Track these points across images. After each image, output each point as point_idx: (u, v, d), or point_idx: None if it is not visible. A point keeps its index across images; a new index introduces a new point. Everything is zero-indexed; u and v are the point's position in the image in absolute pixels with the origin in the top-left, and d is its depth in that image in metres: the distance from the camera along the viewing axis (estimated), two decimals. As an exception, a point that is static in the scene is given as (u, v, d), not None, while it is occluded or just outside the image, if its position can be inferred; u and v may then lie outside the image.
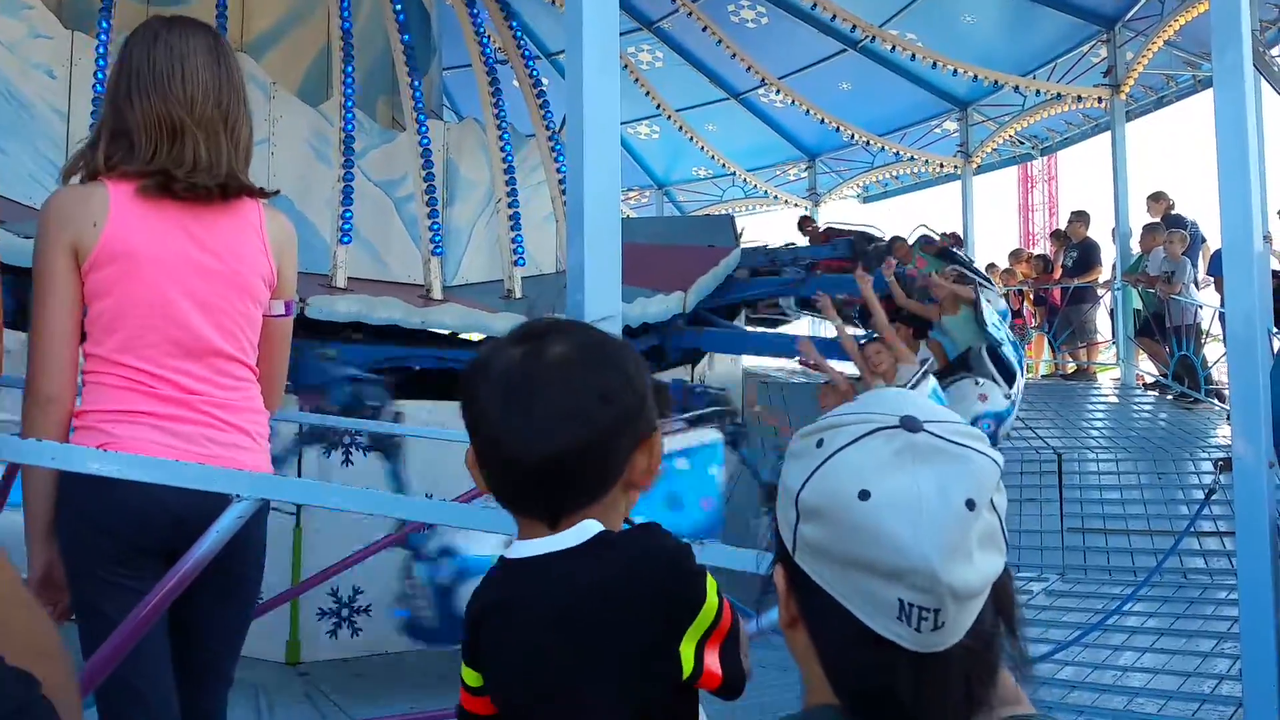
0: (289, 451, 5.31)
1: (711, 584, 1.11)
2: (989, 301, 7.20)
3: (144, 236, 1.87)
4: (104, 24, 6.70)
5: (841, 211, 18.25)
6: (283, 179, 6.40)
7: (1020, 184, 28.78)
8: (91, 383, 1.89)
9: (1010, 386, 7.11)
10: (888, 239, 10.33)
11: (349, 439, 5.41)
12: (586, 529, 1.12)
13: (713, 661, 1.10)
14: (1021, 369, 7.43)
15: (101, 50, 6.56)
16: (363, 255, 7.42)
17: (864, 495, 0.81)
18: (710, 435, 4.47)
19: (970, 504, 0.81)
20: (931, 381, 6.18)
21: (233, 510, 1.34)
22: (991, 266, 12.61)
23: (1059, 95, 13.31)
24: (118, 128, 1.92)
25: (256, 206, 2.03)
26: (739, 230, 11.97)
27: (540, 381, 1.10)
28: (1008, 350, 7.30)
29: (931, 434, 0.84)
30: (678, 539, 1.14)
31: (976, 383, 6.98)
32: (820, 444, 0.86)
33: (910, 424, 0.84)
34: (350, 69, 7.36)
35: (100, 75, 6.50)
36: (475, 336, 7.20)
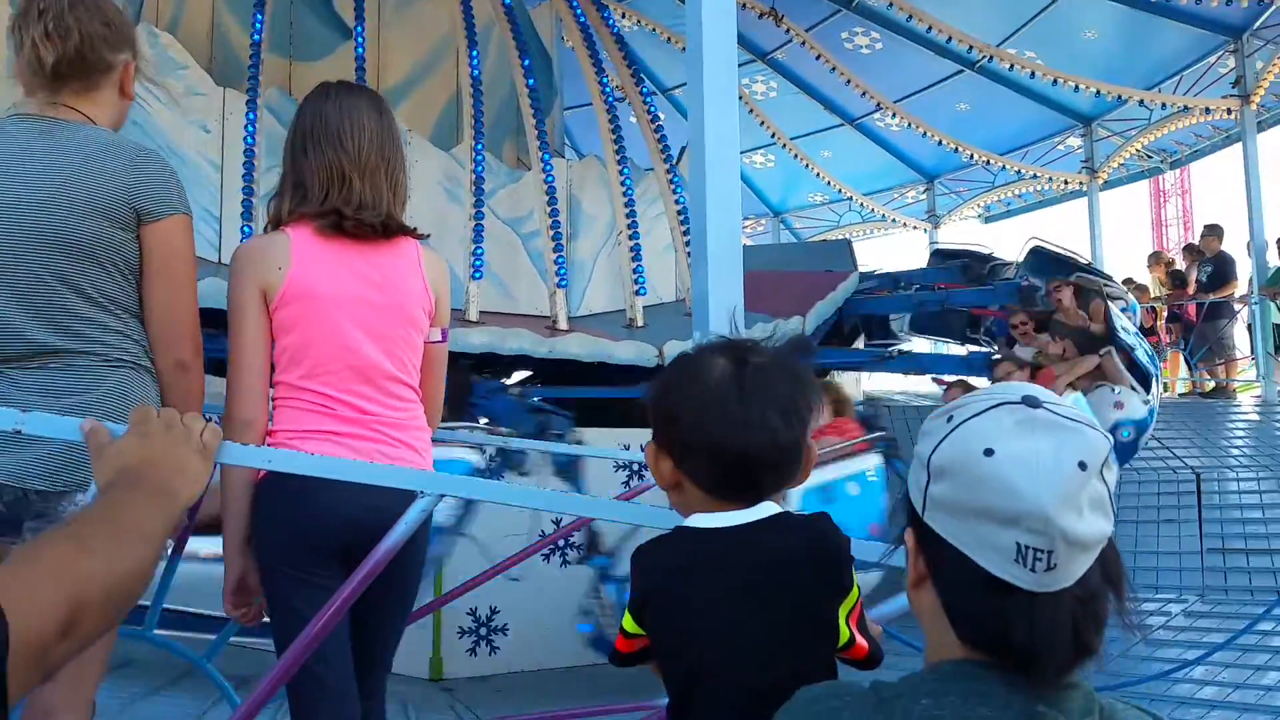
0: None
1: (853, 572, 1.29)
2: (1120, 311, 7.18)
3: (322, 278, 2.11)
4: (253, 80, 7.22)
5: (962, 232, 18.03)
6: (419, 219, 6.62)
7: (1153, 198, 27.66)
8: (281, 406, 2.13)
9: (1147, 392, 7.05)
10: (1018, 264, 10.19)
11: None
12: (768, 508, 1.31)
13: (858, 634, 1.28)
14: (1157, 374, 7.29)
15: (250, 104, 7.07)
16: (493, 290, 7.77)
17: (988, 453, 0.94)
18: (874, 460, 4.59)
19: (1082, 465, 0.92)
20: (1073, 394, 6.26)
21: (416, 506, 1.54)
22: (1128, 281, 12.30)
23: (1186, 108, 12.95)
24: (296, 179, 2.19)
25: (415, 245, 2.27)
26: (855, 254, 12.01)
27: (760, 385, 1.29)
28: (1141, 355, 7.22)
29: (1050, 410, 0.97)
30: (840, 529, 1.32)
31: (1113, 390, 6.93)
32: (950, 419, 1.00)
33: (1031, 401, 0.97)
34: (479, 114, 7.75)
35: (250, 129, 6.99)
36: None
